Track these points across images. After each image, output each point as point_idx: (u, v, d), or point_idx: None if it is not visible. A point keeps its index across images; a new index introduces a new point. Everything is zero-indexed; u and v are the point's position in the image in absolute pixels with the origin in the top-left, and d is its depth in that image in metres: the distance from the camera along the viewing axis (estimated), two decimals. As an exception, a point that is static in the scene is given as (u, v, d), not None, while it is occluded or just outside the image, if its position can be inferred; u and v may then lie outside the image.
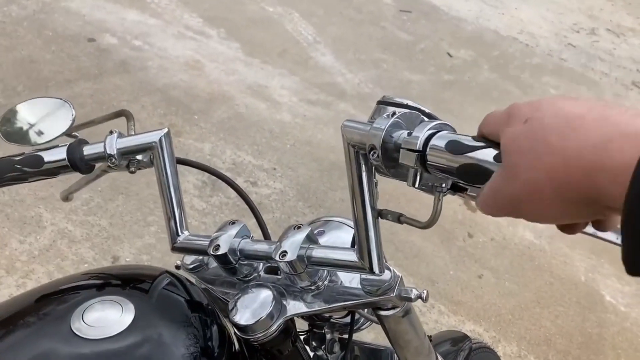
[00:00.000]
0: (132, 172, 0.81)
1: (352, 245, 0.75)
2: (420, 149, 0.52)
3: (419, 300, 0.67)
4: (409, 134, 0.53)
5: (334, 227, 0.84)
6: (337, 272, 0.72)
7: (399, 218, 0.62)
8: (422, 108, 0.58)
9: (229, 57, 3.45)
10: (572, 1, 5.35)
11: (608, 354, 2.28)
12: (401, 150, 0.53)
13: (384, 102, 0.61)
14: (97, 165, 0.83)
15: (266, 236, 0.83)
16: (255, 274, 0.75)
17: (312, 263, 0.67)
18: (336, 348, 0.90)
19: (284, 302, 0.70)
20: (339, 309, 0.71)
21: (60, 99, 0.88)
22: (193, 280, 0.80)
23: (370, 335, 1.58)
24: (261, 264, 0.75)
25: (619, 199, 0.36)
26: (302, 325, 0.85)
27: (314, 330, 0.89)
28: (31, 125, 0.87)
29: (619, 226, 0.48)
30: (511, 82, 3.94)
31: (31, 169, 0.81)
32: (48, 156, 0.81)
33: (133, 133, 0.82)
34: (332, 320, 0.87)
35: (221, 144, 2.76)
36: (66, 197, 0.98)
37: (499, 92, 3.80)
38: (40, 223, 2.18)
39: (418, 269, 2.40)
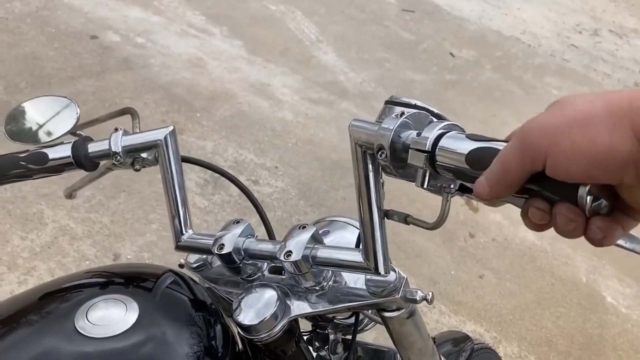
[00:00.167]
0: (136, 170, 0.81)
1: (357, 245, 0.75)
2: (430, 150, 0.51)
3: (424, 301, 0.66)
4: (418, 135, 0.53)
5: (339, 227, 0.84)
6: (342, 273, 0.72)
7: (405, 219, 0.62)
8: (431, 108, 0.58)
9: (231, 55, 3.44)
10: (574, 2, 5.34)
11: (609, 355, 2.28)
12: (410, 150, 0.53)
13: (391, 102, 0.60)
14: (102, 162, 0.83)
15: (270, 235, 0.83)
16: (260, 274, 0.74)
17: (317, 263, 0.67)
18: (339, 349, 0.89)
19: (288, 303, 0.70)
20: (344, 309, 0.71)
21: (65, 97, 0.88)
22: (197, 279, 0.80)
23: (372, 335, 1.58)
24: (265, 263, 0.75)
25: None
26: (305, 326, 0.84)
27: (318, 330, 0.89)
28: (36, 124, 0.87)
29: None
30: (513, 83, 3.94)
31: (36, 166, 0.81)
32: (53, 153, 0.81)
33: (138, 131, 0.82)
34: (335, 320, 0.87)
35: (223, 142, 2.76)
36: (70, 195, 0.97)
37: (501, 92, 3.79)
38: (42, 220, 2.18)
39: (420, 269, 2.40)
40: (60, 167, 0.81)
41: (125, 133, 0.79)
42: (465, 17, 4.63)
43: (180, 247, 0.77)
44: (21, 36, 3.11)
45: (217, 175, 0.87)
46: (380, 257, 0.63)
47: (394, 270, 0.66)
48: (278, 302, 0.68)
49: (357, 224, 0.82)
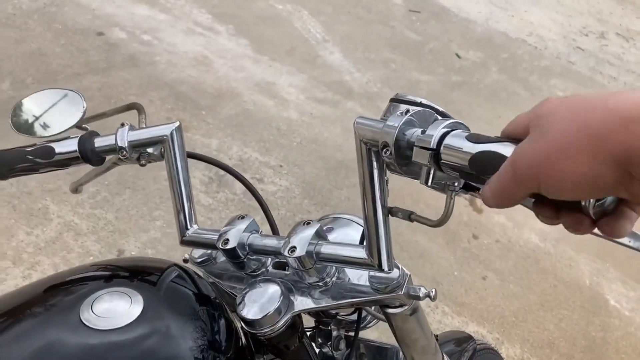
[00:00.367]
0: (142, 165, 0.82)
1: (361, 242, 0.75)
2: (434, 147, 0.52)
3: (426, 299, 0.67)
4: (423, 132, 0.53)
5: (343, 225, 0.84)
6: (345, 269, 0.72)
7: (409, 216, 0.62)
8: (436, 106, 0.58)
9: (237, 53, 3.45)
10: (581, 4, 5.32)
11: (612, 358, 2.27)
12: (414, 148, 0.53)
13: (397, 100, 0.60)
14: (108, 157, 0.83)
15: (275, 232, 0.83)
16: (263, 269, 0.75)
17: (321, 259, 0.67)
18: (342, 345, 0.90)
19: (292, 298, 0.70)
20: (347, 305, 0.71)
21: (72, 90, 0.89)
22: (201, 274, 0.80)
23: (374, 334, 1.58)
24: (269, 259, 0.75)
25: None
26: (308, 322, 0.85)
27: (320, 326, 0.89)
28: (42, 117, 0.88)
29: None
30: (519, 84, 3.93)
31: (42, 160, 0.81)
32: (59, 147, 0.81)
33: (144, 126, 0.82)
34: (338, 317, 0.87)
35: (228, 140, 2.76)
36: (76, 189, 0.98)
37: (507, 94, 3.79)
38: (47, 215, 2.19)
39: (423, 270, 2.40)
40: (66, 162, 0.82)
41: (132, 128, 0.79)
42: (472, 19, 4.63)
43: (185, 242, 0.77)
44: (28, 32, 3.13)
45: (222, 173, 0.87)
46: (384, 254, 0.63)
47: (398, 267, 0.67)
48: (282, 297, 0.68)
49: (361, 222, 0.83)
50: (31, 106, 0.89)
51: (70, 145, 0.81)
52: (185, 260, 0.81)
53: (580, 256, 2.68)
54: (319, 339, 0.90)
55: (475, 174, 0.49)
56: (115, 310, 0.66)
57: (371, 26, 4.16)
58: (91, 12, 3.43)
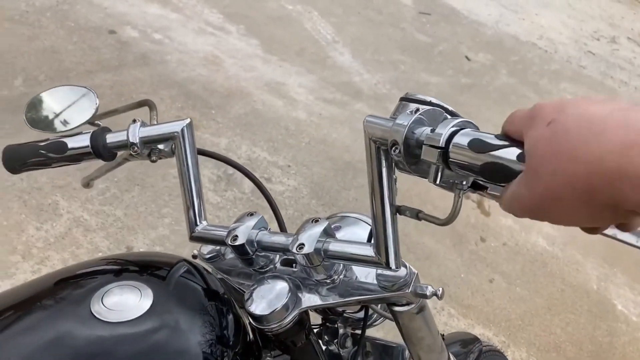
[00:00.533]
0: (153, 161, 0.82)
1: (369, 240, 0.76)
2: (443, 146, 0.52)
3: (433, 298, 0.67)
4: (432, 131, 0.54)
5: (351, 223, 0.84)
6: (353, 267, 0.72)
7: (417, 214, 0.62)
8: (446, 106, 0.58)
9: (247, 53, 3.46)
10: (593, 8, 5.30)
11: (618, 363, 2.27)
12: (423, 146, 0.54)
13: (406, 99, 0.61)
14: (119, 153, 0.84)
15: (283, 229, 0.84)
16: (272, 266, 0.75)
17: (329, 256, 0.68)
18: (348, 343, 0.90)
19: (300, 295, 0.71)
20: (354, 303, 0.72)
21: (85, 87, 0.90)
22: (209, 269, 0.81)
23: (379, 334, 1.58)
24: (277, 256, 0.76)
25: None
26: (315, 320, 0.85)
27: (327, 324, 0.90)
28: (56, 113, 0.89)
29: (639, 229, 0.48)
30: (529, 88, 3.92)
31: (55, 154, 0.82)
32: (72, 143, 0.82)
33: (155, 123, 0.83)
34: (345, 315, 0.88)
35: (237, 139, 2.78)
36: (87, 184, 0.99)
37: (516, 97, 3.78)
38: (57, 211, 2.21)
39: (429, 271, 2.40)
40: (78, 157, 0.83)
41: (143, 124, 0.80)
42: (482, 21, 4.62)
43: (195, 238, 0.78)
44: (41, 30, 3.15)
45: (230, 172, 0.88)
46: (391, 252, 0.64)
47: (405, 266, 0.67)
48: (289, 294, 0.69)
49: (368, 220, 0.83)
50: (45, 102, 0.90)
51: (82, 141, 0.82)
52: (194, 256, 0.82)
53: (587, 260, 2.67)
54: (326, 337, 0.90)
55: (483, 173, 0.50)
56: (126, 303, 0.67)
57: (381, 28, 4.16)
58: (103, 10, 3.45)
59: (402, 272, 0.67)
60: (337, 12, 4.17)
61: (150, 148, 0.81)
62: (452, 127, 0.53)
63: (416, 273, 0.68)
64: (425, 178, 0.57)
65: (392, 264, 0.64)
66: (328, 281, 0.71)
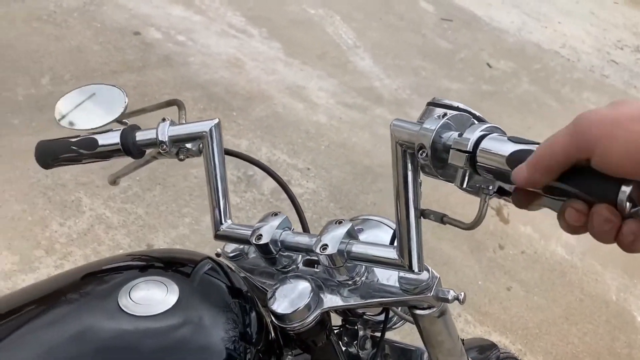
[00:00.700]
0: (181, 160, 0.84)
1: (391, 243, 0.77)
2: (471, 150, 0.53)
3: (454, 302, 0.68)
4: (460, 135, 0.54)
5: (373, 226, 0.85)
6: (375, 270, 0.73)
7: (442, 218, 0.63)
8: (473, 111, 0.59)
9: (269, 56, 3.49)
10: (617, 17, 5.25)
11: (637, 376, 2.24)
12: (451, 150, 0.54)
13: (433, 104, 0.62)
14: (148, 151, 0.86)
15: (306, 229, 0.85)
16: (294, 266, 0.76)
17: (352, 258, 0.69)
18: (368, 345, 0.91)
19: (322, 295, 0.72)
20: (375, 305, 0.72)
21: (114, 85, 0.92)
22: (232, 268, 0.82)
23: (396, 337, 1.59)
24: (300, 256, 0.77)
25: None
26: (335, 321, 0.86)
27: (347, 326, 0.91)
28: (85, 110, 0.91)
29: None
30: (551, 96, 3.90)
31: (86, 151, 0.84)
32: (102, 140, 0.84)
33: (184, 122, 0.85)
34: (365, 317, 0.88)
35: (257, 141, 2.80)
36: (114, 181, 1.01)
37: (537, 105, 3.76)
38: (80, 208, 2.24)
39: (446, 277, 2.39)
40: (108, 153, 0.85)
41: (172, 123, 0.82)
42: (504, 29, 4.60)
43: (219, 236, 0.79)
44: (68, 30, 3.21)
45: (250, 173, 0.89)
46: (414, 255, 0.64)
47: (427, 270, 0.68)
48: (312, 294, 0.70)
49: (391, 224, 0.84)
50: (75, 100, 0.92)
51: (112, 138, 0.84)
52: (218, 255, 0.83)
53: (607, 271, 2.64)
54: (346, 338, 0.91)
55: (512, 171, 0.50)
56: (152, 297, 0.69)
57: (402, 33, 4.16)
58: (128, 12, 3.50)
59: (425, 275, 0.68)
60: (359, 17, 4.18)
61: (178, 147, 0.83)
62: (481, 132, 0.53)
63: (438, 277, 0.68)
64: (451, 182, 0.58)
65: (415, 267, 0.65)
66: (350, 282, 0.72)
